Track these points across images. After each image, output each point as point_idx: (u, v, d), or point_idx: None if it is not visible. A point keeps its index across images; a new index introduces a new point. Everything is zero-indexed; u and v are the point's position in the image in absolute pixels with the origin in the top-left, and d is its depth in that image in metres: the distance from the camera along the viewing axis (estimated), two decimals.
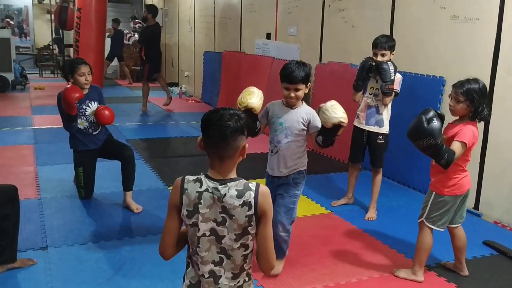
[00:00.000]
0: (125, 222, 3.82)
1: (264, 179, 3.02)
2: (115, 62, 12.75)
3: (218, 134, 1.58)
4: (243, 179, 1.65)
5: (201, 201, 1.61)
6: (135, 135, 6.75)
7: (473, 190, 3.87)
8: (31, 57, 16.05)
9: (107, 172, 4.56)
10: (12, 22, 16.24)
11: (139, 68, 10.40)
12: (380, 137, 3.90)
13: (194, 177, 1.65)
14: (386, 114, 3.88)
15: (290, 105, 2.85)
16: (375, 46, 3.79)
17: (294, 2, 6.72)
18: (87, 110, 3.94)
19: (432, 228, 2.89)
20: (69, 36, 14.67)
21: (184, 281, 1.74)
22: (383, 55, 3.76)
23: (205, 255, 1.65)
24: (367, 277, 3.02)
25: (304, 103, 2.89)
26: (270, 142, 2.92)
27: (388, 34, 4.79)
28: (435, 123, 2.62)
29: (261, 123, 2.93)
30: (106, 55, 11.30)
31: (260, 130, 2.93)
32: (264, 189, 1.64)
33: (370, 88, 3.90)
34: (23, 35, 17.40)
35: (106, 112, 3.93)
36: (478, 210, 4.12)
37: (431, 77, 4.54)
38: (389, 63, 3.74)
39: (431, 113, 2.65)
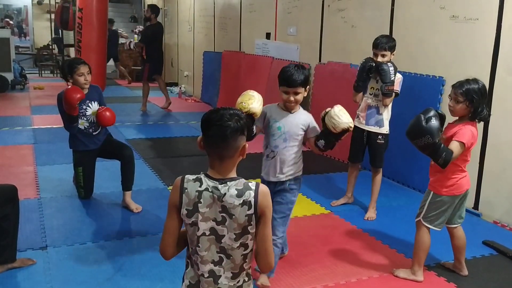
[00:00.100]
0: (125, 222, 3.82)
1: None
2: (111, 62, 12.72)
3: (218, 134, 1.59)
4: (243, 179, 1.65)
5: (201, 200, 1.61)
6: (134, 135, 6.75)
7: (472, 190, 3.88)
8: (31, 57, 16.02)
9: (106, 172, 4.56)
10: (11, 22, 16.24)
11: (139, 68, 10.37)
12: (380, 137, 3.89)
13: (194, 177, 1.65)
14: (386, 114, 3.88)
15: (288, 109, 2.78)
16: (376, 47, 3.78)
17: (293, 2, 6.72)
18: (87, 110, 3.94)
19: (429, 228, 2.89)
20: (69, 36, 14.66)
21: (183, 281, 1.74)
22: (383, 55, 3.75)
23: (204, 255, 1.65)
24: (366, 277, 3.03)
25: (300, 107, 2.84)
26: (266, 146, 2.85)
27: (388, 34, 4.79)
28: (434, 122, 2.62)
29: (257, 127, 2.82)
30: None
31: (256, 134, 2.86)
32: (264, 188, 1.64)
33: (370, 88, 3.89)
34: (22, 35, 17.41)
35: (107, 113, 3.93)
36: (478, 210, 4.12)
37: (431, 77, 4.54)
38: (389, 64, 3.73)
39: (431, 113, 2.66)
